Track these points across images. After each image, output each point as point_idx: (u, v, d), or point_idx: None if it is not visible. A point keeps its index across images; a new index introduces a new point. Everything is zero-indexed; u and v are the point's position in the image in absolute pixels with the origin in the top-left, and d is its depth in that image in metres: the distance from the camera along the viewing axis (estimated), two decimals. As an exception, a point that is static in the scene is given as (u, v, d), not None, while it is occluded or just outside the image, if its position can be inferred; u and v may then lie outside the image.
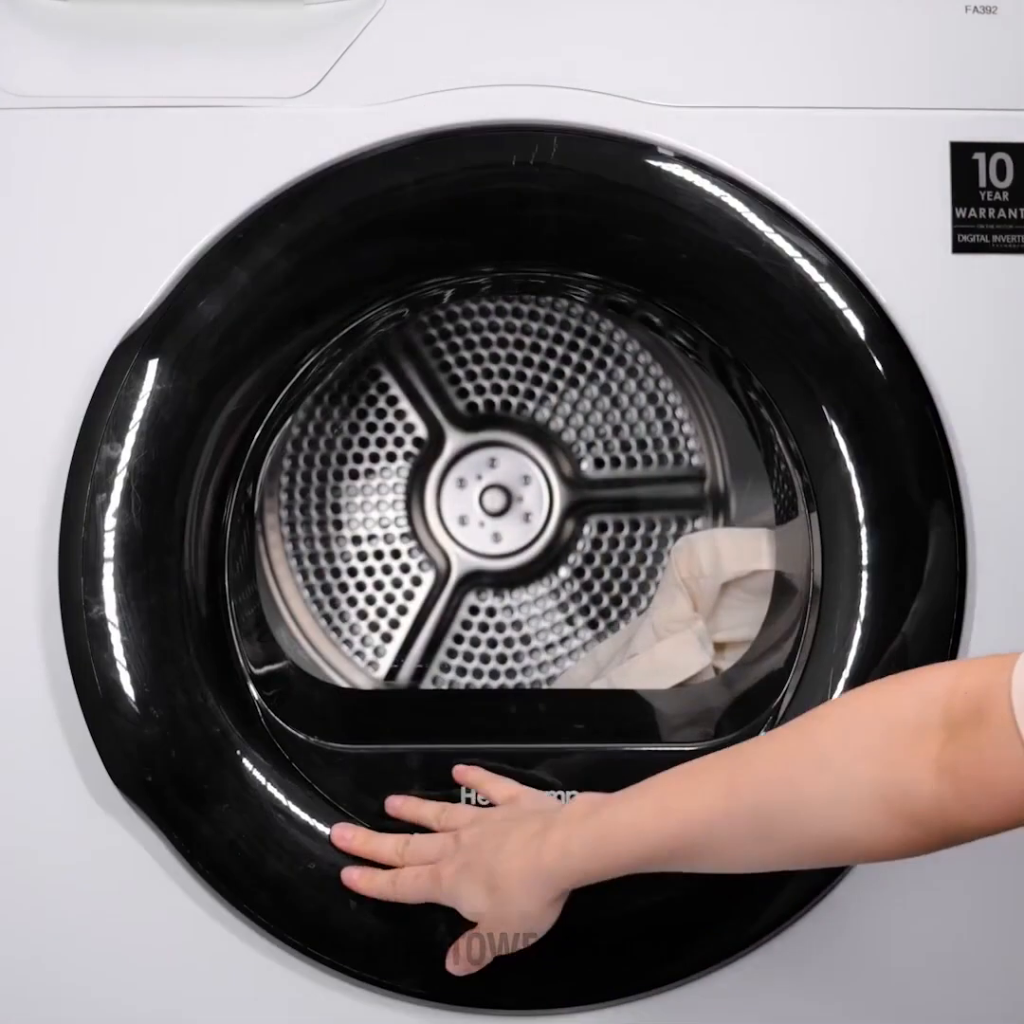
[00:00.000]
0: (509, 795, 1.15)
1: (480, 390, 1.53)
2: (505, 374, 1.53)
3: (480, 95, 1.15)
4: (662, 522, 1.54)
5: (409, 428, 1.53)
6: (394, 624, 1.53)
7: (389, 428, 1.53)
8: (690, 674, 1.36)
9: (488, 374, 1.53)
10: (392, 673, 1.53)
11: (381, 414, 1.53)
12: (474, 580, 1.53)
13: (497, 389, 1.54)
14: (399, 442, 1.53)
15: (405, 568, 1.54)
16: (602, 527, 1.54)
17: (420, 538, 1.52)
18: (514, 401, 1.54)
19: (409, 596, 1.53)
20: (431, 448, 1.52)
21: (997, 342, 1.16)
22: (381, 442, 1.54)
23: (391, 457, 1.53)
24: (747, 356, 1.18)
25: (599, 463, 1.54)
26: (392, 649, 1.53)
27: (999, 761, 0.86)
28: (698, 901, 1.15)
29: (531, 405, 1.54)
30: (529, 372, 1.53)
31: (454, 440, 1.52)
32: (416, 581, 1.54)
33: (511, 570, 1.53)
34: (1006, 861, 1.18)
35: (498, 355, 1.53)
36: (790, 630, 1.24)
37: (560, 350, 1.53)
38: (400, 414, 1.53)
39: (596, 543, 1.54)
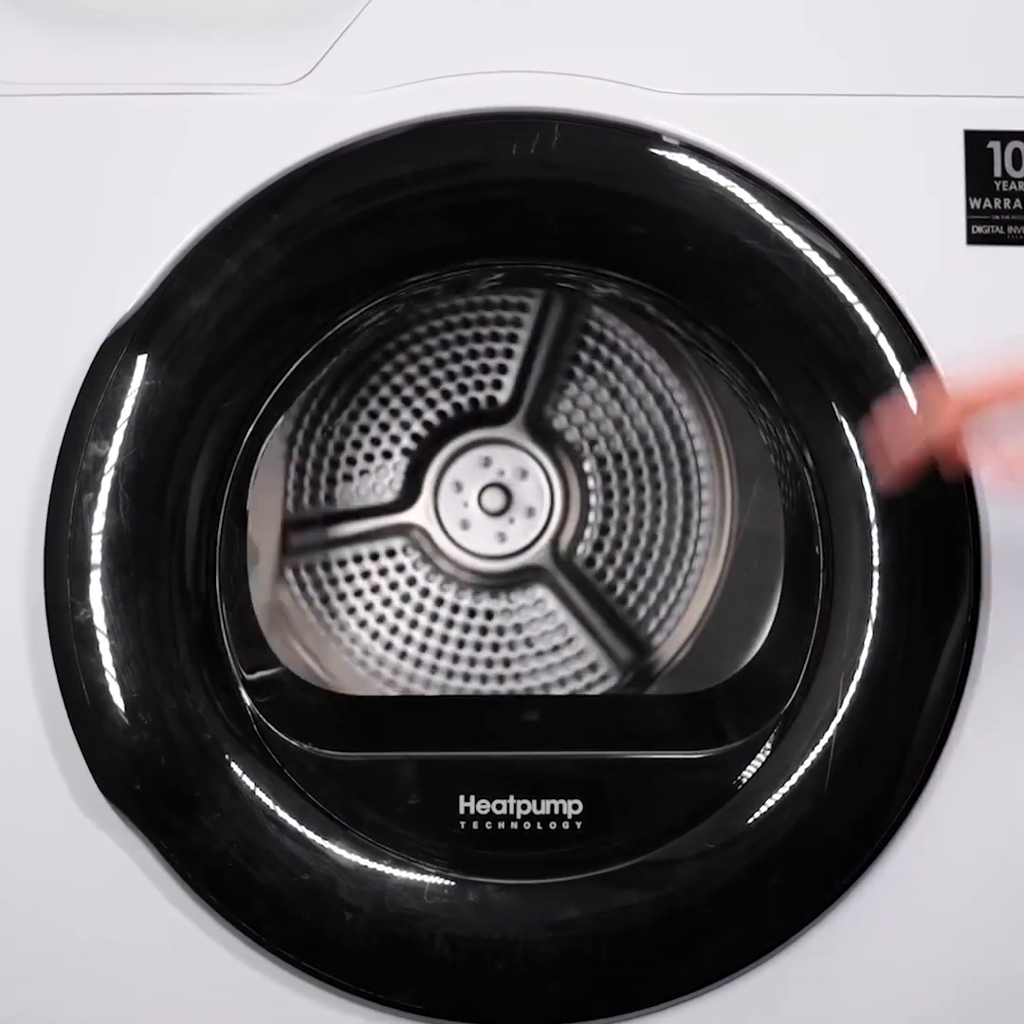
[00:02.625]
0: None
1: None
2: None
3: (479, 82, 1.14)
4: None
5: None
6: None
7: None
8: None
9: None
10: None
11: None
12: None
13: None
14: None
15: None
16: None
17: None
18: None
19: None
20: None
21: (1013, 336, 1.14)
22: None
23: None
24: (754, 351, 1.17)
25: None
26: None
27: None
28: (700, 914, 1.15)
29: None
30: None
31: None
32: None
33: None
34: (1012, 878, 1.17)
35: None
36: (797, 633, 1.23)
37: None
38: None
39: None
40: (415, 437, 1.52)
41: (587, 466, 1.53)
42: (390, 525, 1.53)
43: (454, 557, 1.51)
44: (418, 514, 1.51)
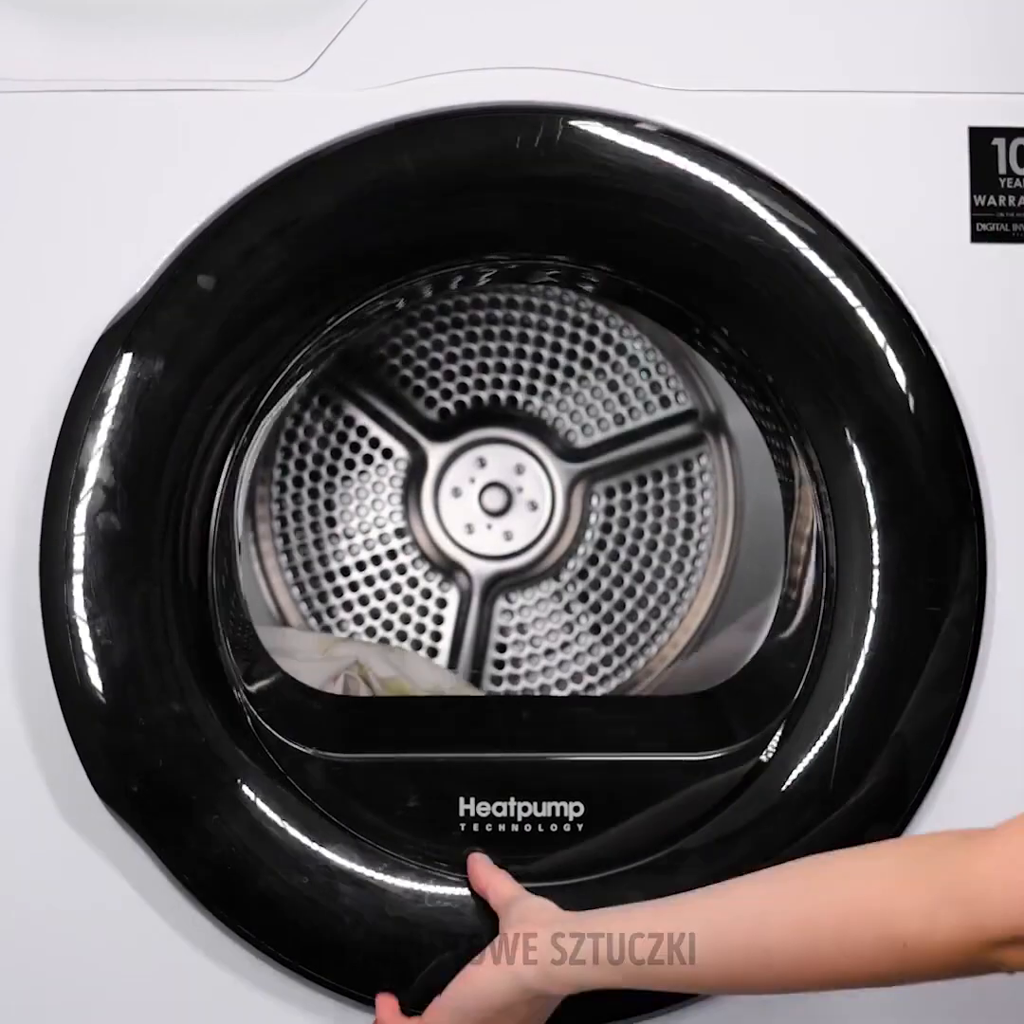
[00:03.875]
0: (502, 899, 1.10)
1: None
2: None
3: (480, 78, 1.13)
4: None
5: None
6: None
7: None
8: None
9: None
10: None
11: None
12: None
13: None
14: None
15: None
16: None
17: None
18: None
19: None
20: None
21: (1018, 335, 1.14)
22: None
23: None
24: (757, 350, 1.16)
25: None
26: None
27: None
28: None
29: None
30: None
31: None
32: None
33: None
34: None
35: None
36: (800, 635, 1.23)
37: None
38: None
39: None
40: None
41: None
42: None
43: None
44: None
